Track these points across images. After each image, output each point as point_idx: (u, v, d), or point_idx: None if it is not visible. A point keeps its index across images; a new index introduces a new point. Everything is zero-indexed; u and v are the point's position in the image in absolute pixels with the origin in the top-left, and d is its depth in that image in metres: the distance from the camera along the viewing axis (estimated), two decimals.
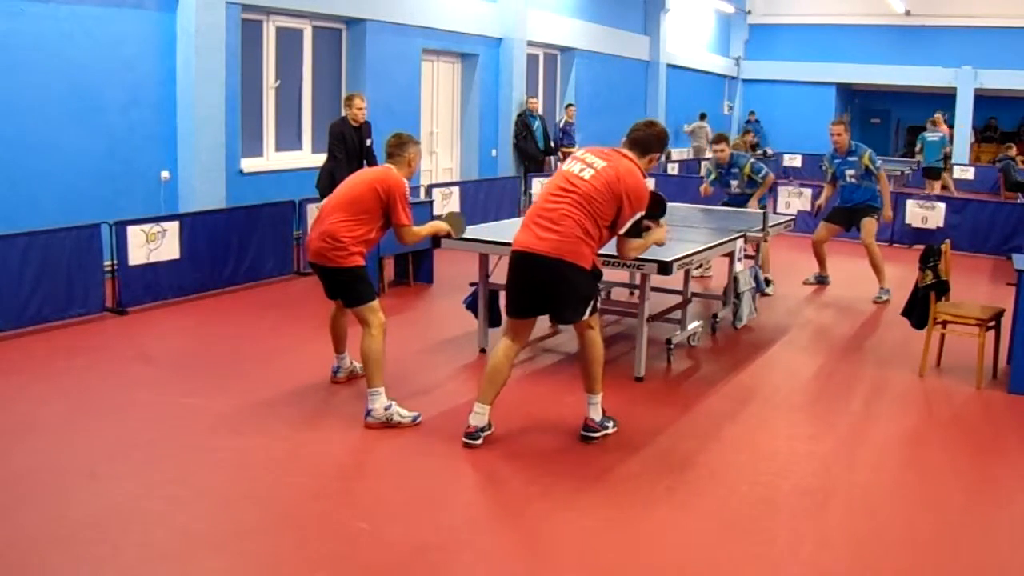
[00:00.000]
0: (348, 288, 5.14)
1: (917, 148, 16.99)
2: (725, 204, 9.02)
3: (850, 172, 8.55)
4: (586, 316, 4.65)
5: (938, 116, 17.17)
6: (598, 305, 4.83)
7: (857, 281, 9.09)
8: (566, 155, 14.03)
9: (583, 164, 4.64)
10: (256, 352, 6.31)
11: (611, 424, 4.87)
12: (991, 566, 3.72)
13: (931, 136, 16.08)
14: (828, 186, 8.91)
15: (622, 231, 4.65)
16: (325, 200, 5.40)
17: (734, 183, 8.87)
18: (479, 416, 4.64)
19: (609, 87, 17.62)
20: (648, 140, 4.76)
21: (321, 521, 3.81)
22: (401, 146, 5.33)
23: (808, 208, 12.19)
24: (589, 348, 4.73)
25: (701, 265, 8.50)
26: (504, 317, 4.92)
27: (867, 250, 8.55)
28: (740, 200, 8.89)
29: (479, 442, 4.61)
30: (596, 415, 4.82)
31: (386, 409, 4.91)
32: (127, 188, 8.40)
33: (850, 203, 8.69)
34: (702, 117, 20.11)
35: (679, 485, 4.34)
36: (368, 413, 4.91)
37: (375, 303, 5.15)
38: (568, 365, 6.13)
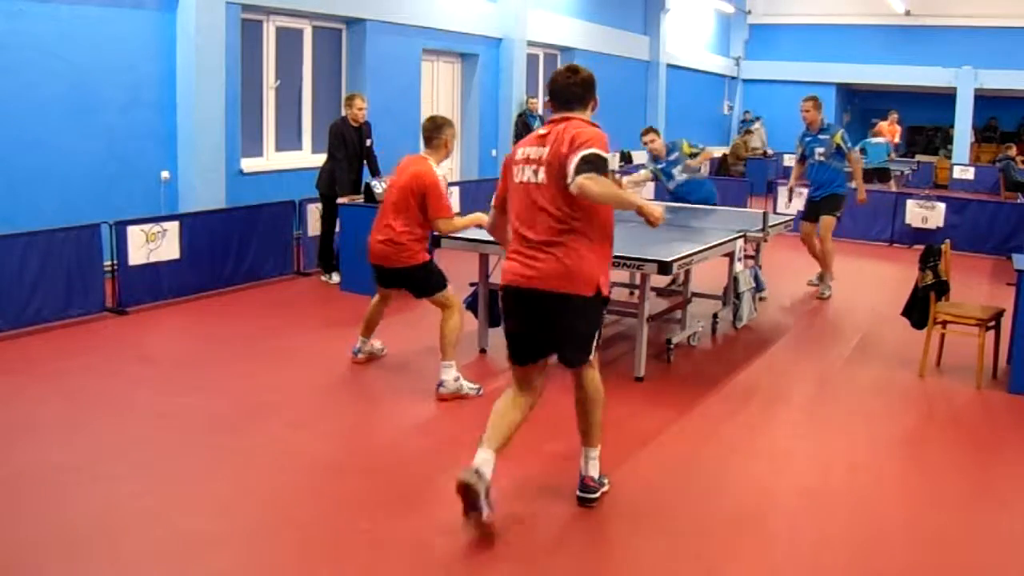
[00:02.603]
0: (422, 282, 5.51)
1: (859, 150, 18.02)
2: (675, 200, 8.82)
3: (820, 150, 8.53)
4: (592, 356, 3.96)
5: (881, 126, 19.00)
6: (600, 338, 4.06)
7: (857, 281, 9.10)
8: None
9: (529, 164, 3.87)
10: (256, 352, 6.31)
11: (606, 481, 4.15)
12: (991, 566, 3.72)
13: (874, 141, 17.39)
14: (797, 165, 8.98)
15: (570, 175, 3.64)
16: (384, 197, 5.72)
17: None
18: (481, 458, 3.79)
19: (609, 87, 17.47)
20: (571, 90, 3.92)
21: (321, 521, 3.81)
22: (437, 129, 5.44)
23: None
24: (590, 391, 3.99)
25: (674, 280, 8.40)
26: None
27: (821, 243, 8.63)
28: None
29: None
30: (595, 472, 4.08)
31: (455, 380, 5.31)
32: (127, 188, 8.40)
33: (817, 194, 8.71)
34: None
35: (679, 485, 4.34)
36: (440, 384, 5.32)
37: (448, 288, 5.50)
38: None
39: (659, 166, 8.73)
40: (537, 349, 3.92)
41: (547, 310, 3.82)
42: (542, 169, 3.80)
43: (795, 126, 9.45)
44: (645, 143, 8.70)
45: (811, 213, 8.78)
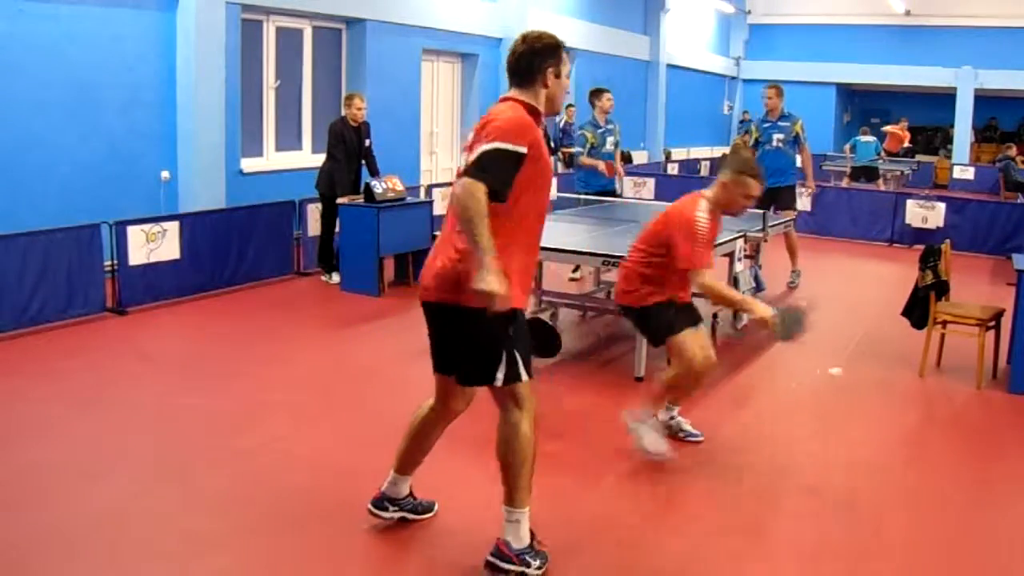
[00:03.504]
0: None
1: (848, 147, 19.00)
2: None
3: (778, 136, 8.67)
4: (499, 380, 3.22)
5: (893, 130, 19.44)
6: (527, 367, 3.27)
7: (857, 281, 9.10)
8: (566, 155, 14.06)
9: (465, 151, 3.28)
10: (256, 352, 6.31)
11: (537, 563, 3.32)
12: (992, 566, 3.72)
13: (863, 139, 18.05)
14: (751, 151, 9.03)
15: (465, 165, 3.11)
16: None
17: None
18: (390, 484, 3.73)
19: (609, 87, 17.51)
20: (515, 62, 3.31)
21: (321, 521, 3.81)
22: (735, 161, 4.61)
23: (808, 208, 12.19)
24: (505, 441, 3.28)
25: (577, 268, 8.42)
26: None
27: (786, 238, 8.80)
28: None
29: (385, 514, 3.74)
30: (516, 540, 3.32)
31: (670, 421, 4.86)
32: (127, 188, 8.40)
33: (770, 182, 8.73)
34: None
35: (679, 485, 4.34)
36: (642, 433, 4.60)
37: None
38: (572, 363, 6.12)
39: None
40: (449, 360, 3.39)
41: (442, 323, 3.31)
42: (464, 157, 3.24)
43: None
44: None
45: (765, 201, 8.88)
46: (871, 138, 18.18)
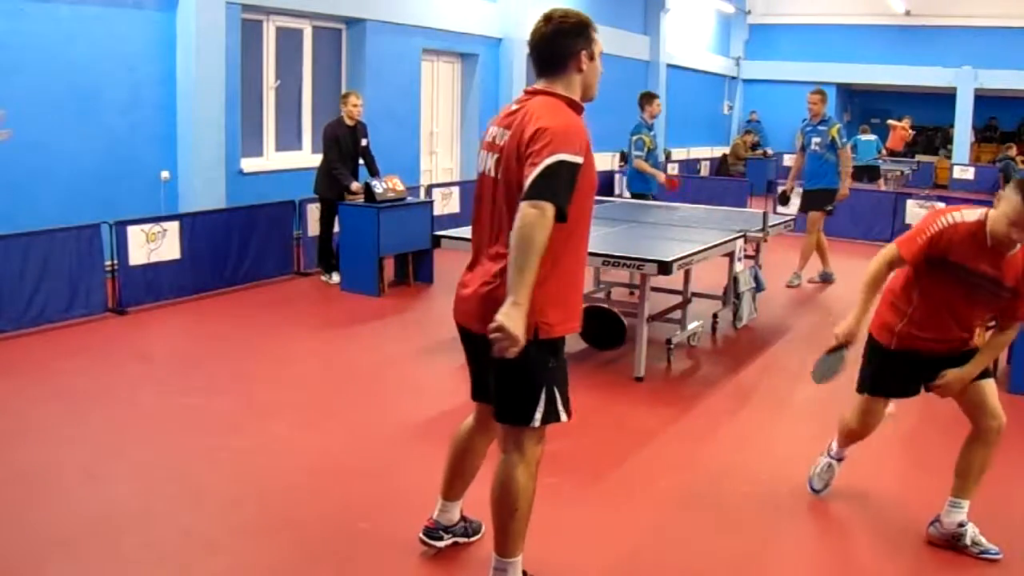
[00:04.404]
0: None
1: (850, 146, 18.52)
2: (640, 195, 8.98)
3: (816, 140, 8.86)
4: (536, 421, 2.94)
5: (896, 127, 19.52)
6: (566, 404, 3.00)
7: (857, 281, 9.07)
8: None
9: (492, 151, 2.99)
10: (256, 352, 6.32)
11: None
12: (991, 566, 3.72)
13: (863, 138, 17.76)
14: (799, 155, 9.20)
15: (528, 180, 2.71)
16: None
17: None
18: (440, 512, 3.50)
19: (609, 87, 17.43)
20: (544, 46, 2.94)
21: (321, 521, 3.81)
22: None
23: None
24: (503, 488, 3.02)
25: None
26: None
27: (807, 237, 9.00)
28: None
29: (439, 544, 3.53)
30: None
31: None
32: (127, 188, 8.40)
33: (809, 185, 9.01)
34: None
35: (679, 485, 4.34)
36: (959, 535, 3.78)
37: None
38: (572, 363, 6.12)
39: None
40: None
41: (481, 351, 2.91)
42: (500, 160, 2.92)
43: (795, 126, 9.54)
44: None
45: (805, 204, 9.09)
46: (872, 136, 18.10)
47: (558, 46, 2.91)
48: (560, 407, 2.96)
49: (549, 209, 2.67)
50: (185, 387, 5.52)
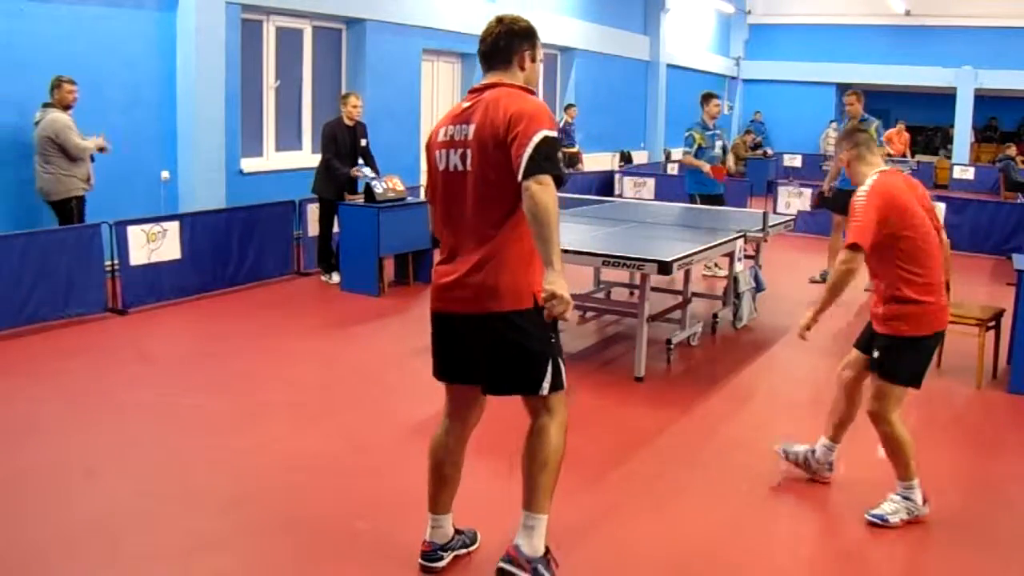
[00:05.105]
0: None
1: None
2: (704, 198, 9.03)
3: None
4: (545, 389, 3.12)
5: (889, 134, 18.86)
6: (563, 376, 3.19)
7: (857, 281, 9.08)
8: (567, 155, 14.06)
9: (454, 147, 3.14)
10: (256, 352, 6.32)
11: (548, 574, 3.18)
12: (991, 566, 3.72)
13: None
14: (836, 156, 9.01)
15: (520, 171, 2.91)
16: None
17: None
18: (433, 529, 3.44)
19: (609, 87, 17.62)
20: (493, 43, 3.29)
21: (321, 521, 3.81)
22: None
23: (807, 208, 12.19)
24: (538, 447, 3.16)
25: (716, 264, 8.59)
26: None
27: (835, 235, 8.90)
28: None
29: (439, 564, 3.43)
30: (530, 548, 3.17)
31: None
32: (127, 188, 8.40)
33: (847, 185, 8.77)
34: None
35: (679, 485, 4.34)
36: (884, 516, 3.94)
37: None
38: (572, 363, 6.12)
39: (708, 132, 9.12)
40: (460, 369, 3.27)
41: (478, 333, 3.12)
42: (469, 153, 3.09)
43: (795, 126, 9.51)
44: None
45: (841, 203, 8.86)
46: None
47: (508, 44, 3.25)
48: (563, 376, 3.19)
49: (550, 180, 2.91)
50: (185, 387, 5.52)
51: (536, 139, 2.92)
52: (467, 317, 3.13)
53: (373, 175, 8.25)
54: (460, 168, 3.12)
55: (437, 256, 3.30)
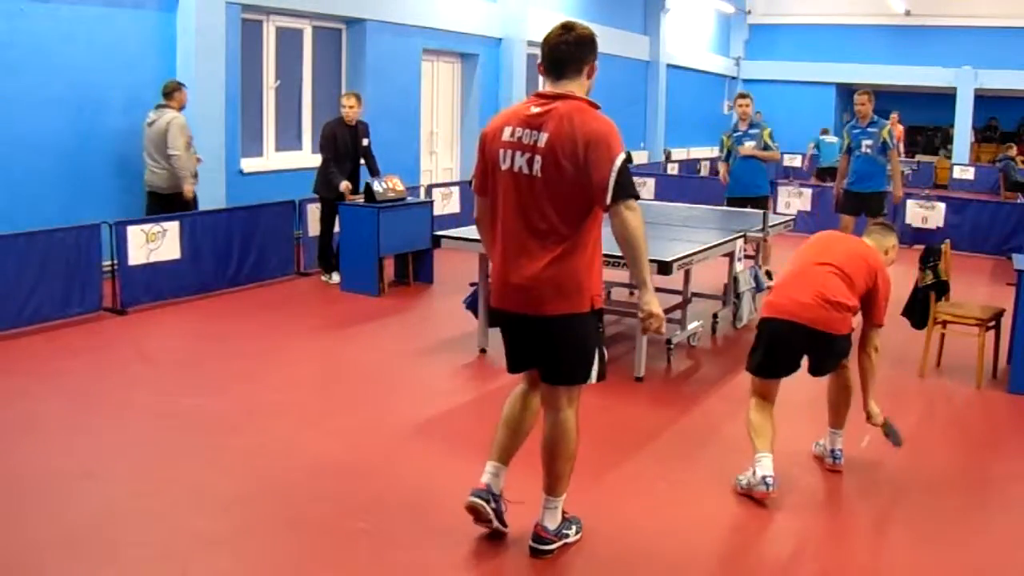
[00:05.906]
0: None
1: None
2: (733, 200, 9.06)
3: (867, 143, 8.59)
4: (593, 378, 3.45)
5: (826, 129, 19.34)
6: (606, 365, 3.50)
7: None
8: None
9: (521, 150, 3.24)
10: (256, 352, 6.31)
11: (573, 530, 3.61)
12: (991, 566, 3.72)
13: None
14: (843, 157, 8.97)
15: (608, 195, 3.12)
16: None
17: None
18: (493, 476, 3.64)
19: (609, 87, 17.55)
20: (562, 50, 3.31)
21: (321, 521, 3.81)
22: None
23: (807, 208, 12.20)
24: (561, 437, 3.45)
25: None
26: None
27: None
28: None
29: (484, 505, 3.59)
30: (553, 522, 3.54)
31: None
32: (127, 188, 8.40)
33: (860, 187, 8.71)
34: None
35: (679, 485, 4.34)
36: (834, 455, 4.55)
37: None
38: None
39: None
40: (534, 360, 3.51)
41: (540, 333, 3.34)
42: (538, 160, 3.18)
43: (795, 126, 9.50)
44: (739, 105, 9.21)
45: (852, 207, 8.76)
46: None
47: (582, 53, 3.32)
48: (605, 365, 3.48)
49: (637, 205, 3.17)
50: (185, 387, 5.52)
51: (619, 163, 3.10)
52: (532, 319, 3.32)
53: (362, 201, 8.19)
54: (527, 172, 3.22)
55: (495, 256, 3.42)
